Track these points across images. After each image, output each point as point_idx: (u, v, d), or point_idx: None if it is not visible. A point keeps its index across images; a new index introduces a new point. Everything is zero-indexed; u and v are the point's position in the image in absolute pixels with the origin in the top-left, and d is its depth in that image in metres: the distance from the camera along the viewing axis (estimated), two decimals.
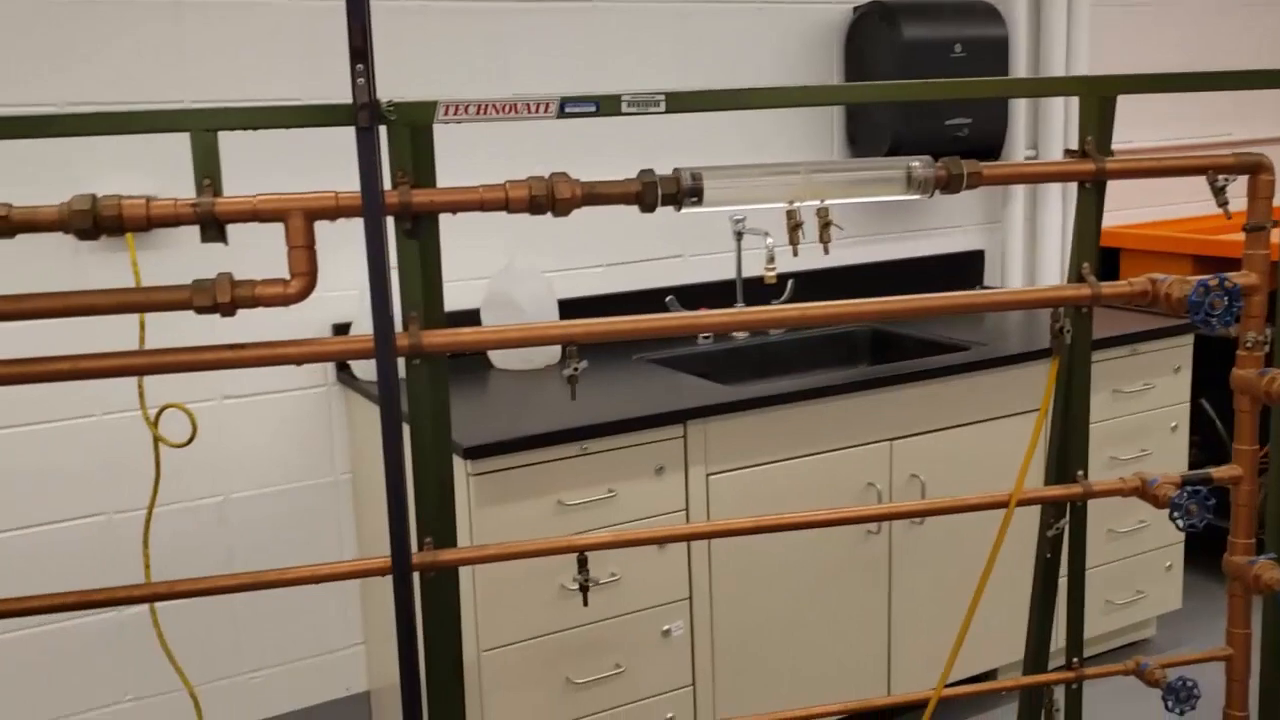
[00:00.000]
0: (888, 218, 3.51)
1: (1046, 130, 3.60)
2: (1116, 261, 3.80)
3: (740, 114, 3.21)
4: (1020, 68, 3.51)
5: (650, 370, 2.80)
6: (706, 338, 3.10)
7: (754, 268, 3.13)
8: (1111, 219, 3.80)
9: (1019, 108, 3.54)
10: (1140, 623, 3.28)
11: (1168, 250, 3.62)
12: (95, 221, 1.37)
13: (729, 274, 3.19)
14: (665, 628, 2.50)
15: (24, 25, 2.41)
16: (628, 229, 3.10)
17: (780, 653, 2.67)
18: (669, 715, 2.54)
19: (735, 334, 3.14)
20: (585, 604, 1.75)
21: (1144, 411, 3.10)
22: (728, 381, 2.71)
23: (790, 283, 3.17)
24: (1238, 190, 1.74)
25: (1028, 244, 3.69)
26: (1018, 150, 3.57)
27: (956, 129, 3.25)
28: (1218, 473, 1.81)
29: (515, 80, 2.91)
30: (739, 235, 3.12)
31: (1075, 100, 1.86)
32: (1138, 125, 3.80)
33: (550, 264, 2.98)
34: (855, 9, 3.30)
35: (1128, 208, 3.91)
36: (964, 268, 3.67)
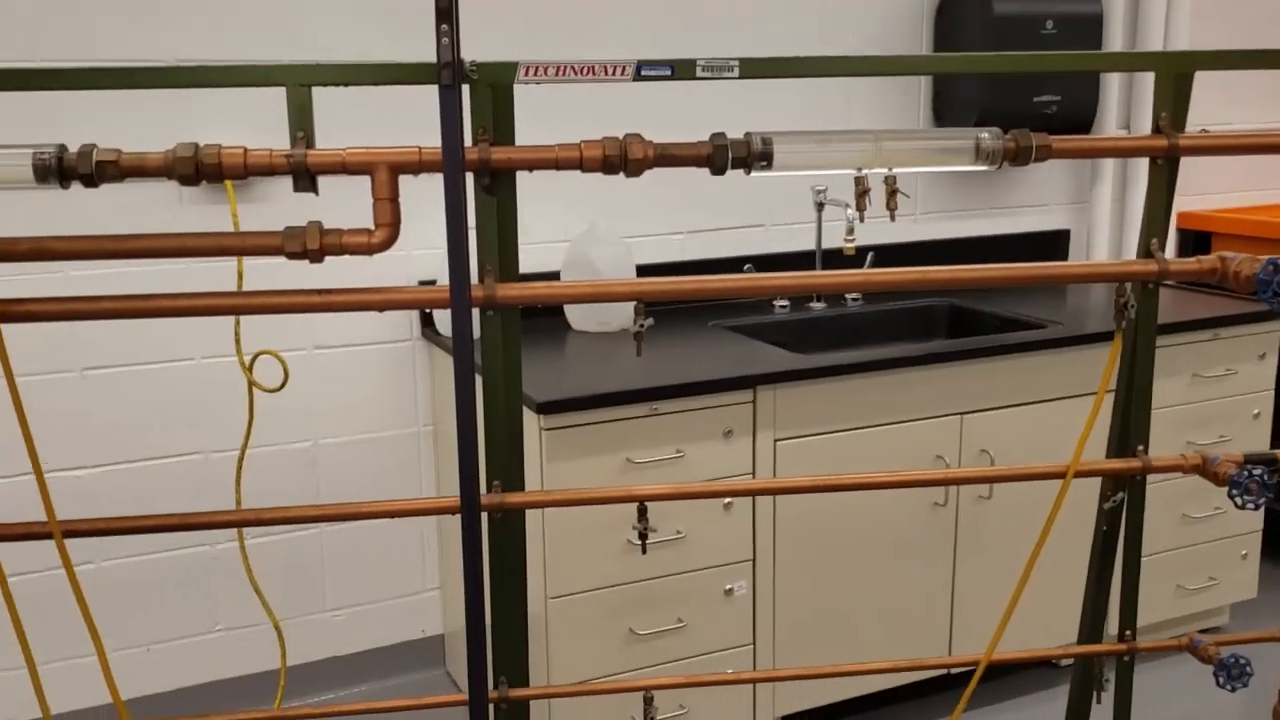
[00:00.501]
0: (973, 193, 3.50)
1: (1140, 109, 3.53)
2: (1208, 246, 3.73)
3: (828, 91, 3.23)
4: (1115, 45, 3.45)
5: (724, 337, 2.85)
6: (783, 306, 3.14)
7: (835, 240, 3.15)
8: (1209, 202, 3.74)
9: (1111, 85, 3.48)
10: (1213, 610, 3.24)
11: (1261, 235, 3.54)
12: (197, 168, 1.46)
13: (809, 245, 3.21)
14: (728, 586, 2.56)
15: None
16: (709, 197, 3.14)
17: (841, 619, 2.71)
18: (728, 671, 2.60)
19: (812, 305, 3.17)
20: (644, 552, 1.82)
21: (1225, 397, 3.05)
22: (803, 351, 2.74)
23: (870, 255, 3.19)
24: None
25: (1115, 225, 3.63)
26: (1108, 128, 3.51)
27: (1045, 106, 3.23)
28: None
29: (594, 49, 2.96)
30: (820, 206, 3.14)
31: None
32: (1244, 106, 3.70)
33: (631, 230, 3.04)
34: None
35: (1228, 191, 3.82)
36: (1049, 247, 3.64)
